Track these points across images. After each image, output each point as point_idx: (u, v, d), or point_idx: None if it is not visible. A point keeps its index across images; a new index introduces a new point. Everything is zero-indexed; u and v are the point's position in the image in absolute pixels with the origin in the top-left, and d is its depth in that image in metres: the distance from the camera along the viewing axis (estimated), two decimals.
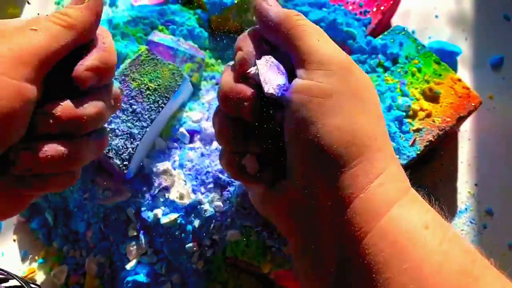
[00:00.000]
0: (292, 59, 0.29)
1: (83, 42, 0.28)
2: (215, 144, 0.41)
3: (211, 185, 0.39)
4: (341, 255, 0.26)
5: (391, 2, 0.48)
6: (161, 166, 0.39)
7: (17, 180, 0.26)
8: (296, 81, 0.28)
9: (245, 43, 0.31)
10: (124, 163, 0.38)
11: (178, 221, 0.38)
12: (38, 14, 0.54)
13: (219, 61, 0.48)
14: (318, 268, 0.27)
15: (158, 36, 0.44)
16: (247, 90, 0.29)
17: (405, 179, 0.28)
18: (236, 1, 0.47)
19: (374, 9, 0.47)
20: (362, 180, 0.26)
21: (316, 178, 0.27)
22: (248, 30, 0.32)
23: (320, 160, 0.27)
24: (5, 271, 0.35)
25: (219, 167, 0.39)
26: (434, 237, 0.25)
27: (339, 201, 0.26)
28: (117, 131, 0.38)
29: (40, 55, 0.25)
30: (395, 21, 0.53)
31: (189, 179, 0.40)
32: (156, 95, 0.39)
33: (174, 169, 0.40)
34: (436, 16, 0.54)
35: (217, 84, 0.46)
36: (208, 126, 0.42)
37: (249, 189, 0.33)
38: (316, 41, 0.28)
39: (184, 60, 0.43)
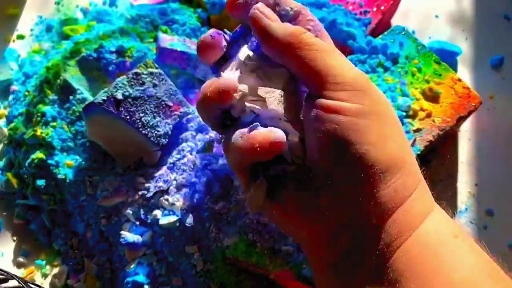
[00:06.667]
0: (303, 80, 0.29)
1: None
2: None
3: (211, 186, 0.39)
4: (376, 262, 0.26)
5: (391, 2, 0.48)
6: (160, 167, 0.39)
7: None
8: (322, 101, 0.27)
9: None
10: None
11: (178, 222, 0.38)
12: (38, 14, 0.54)
13: None
14: (351, 278, 0.27)
15: (166, 41, 0.44)
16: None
17: (429, 192, 0.29)
18: None
19: (374, 9, 0.47)
20: (402, 194, 0.27)
21: (354, 195, 0.27)
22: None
23: (359, 178, 0.26)
24: (5, 271, 0.35)
25: (220, 167, 0.39)
26: (464, 245, 0.27)
27: (378, 214, 0.27)
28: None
29: None
30: (395, 21, 0.53)
31: (189, 179, 0.40)
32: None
33: (174, 169, 0.40)
34: (436, 16, 0.54)
35: None
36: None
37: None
38: (335, 61, 0.28)
39: (198, 63, 0.43)
